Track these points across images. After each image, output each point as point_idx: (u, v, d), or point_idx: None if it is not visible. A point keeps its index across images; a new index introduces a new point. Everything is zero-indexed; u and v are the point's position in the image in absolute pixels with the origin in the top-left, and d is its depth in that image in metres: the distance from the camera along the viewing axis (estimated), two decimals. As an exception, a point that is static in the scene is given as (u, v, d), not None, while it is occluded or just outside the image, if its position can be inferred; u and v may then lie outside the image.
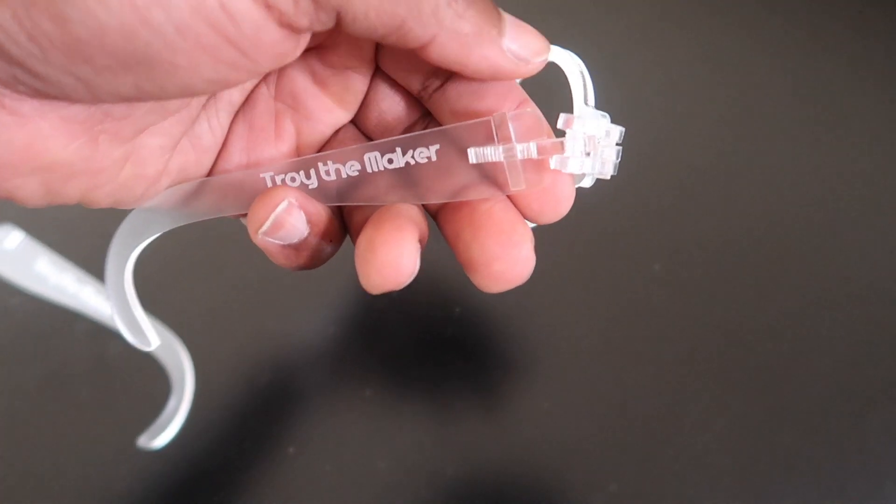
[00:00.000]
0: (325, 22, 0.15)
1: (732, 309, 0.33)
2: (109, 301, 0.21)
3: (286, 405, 0.31)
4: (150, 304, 0.34)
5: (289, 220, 0.18)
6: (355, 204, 0.19)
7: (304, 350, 0.33)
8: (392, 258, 0.17)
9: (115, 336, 0.33)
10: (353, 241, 0.18)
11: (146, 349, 0.21)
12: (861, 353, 0.32)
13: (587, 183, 0.19)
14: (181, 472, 0.30)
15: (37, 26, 0.14)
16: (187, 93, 0.16)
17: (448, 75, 0.18)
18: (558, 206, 0.18)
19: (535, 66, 0.18)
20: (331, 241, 0.19)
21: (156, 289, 0.35)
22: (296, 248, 0.19)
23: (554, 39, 0.19)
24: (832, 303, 0.34)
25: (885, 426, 0.30)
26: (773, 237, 0.36)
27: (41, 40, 0.14)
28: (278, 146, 0.20)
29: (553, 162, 0.17)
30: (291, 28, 0.15)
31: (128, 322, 0.21)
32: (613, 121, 0.19)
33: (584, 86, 0.19)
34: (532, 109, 0.18)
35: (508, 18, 0.18)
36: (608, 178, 0.18)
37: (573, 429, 0.31)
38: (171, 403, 0.32)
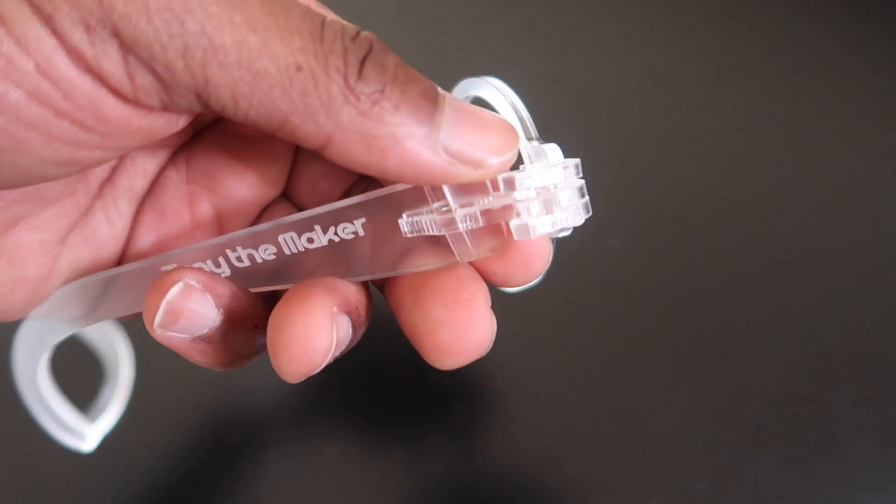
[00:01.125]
0: (189, 104, 0.13)
1: (692, 284, 0.33)
2: (35, 414, 0.19)
3: (228, 392, 0.30)
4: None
5: (188, 306, 0.14)
6: (282, 287, 0.15)
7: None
8: (297, 334, 0.14)
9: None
10: None
11: (86, 450, 0.19)
12: (825, 327, 0.32)
13: (561, 234, 0.15)
14: (120, 466, 0.29)
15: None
16: (30, 179, 0.13)
17: None
18: (529, 268, 0.15)
19: (493, 169, 0.13)
20: (259, 328, 0.15)
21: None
22: (208, 340, 0.15)
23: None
24: (795, 277, 0.33)
25: (848, 400, 0.30)
26: (732, 210, 0.35)
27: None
28: (196, 234, 0.17)
29: (514, 231, 0.14)
30: (140, 105, 0.13)
31: (59, 428, 0.19)
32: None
33: (522, 121, 0.16)
34: None
35: (449, 105, 0.13)
36: (582, 222, 0.15)
37: (530, 411, 0.30)
38: (108, 395, 0.30)
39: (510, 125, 0.14)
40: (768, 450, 0.29)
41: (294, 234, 0.15)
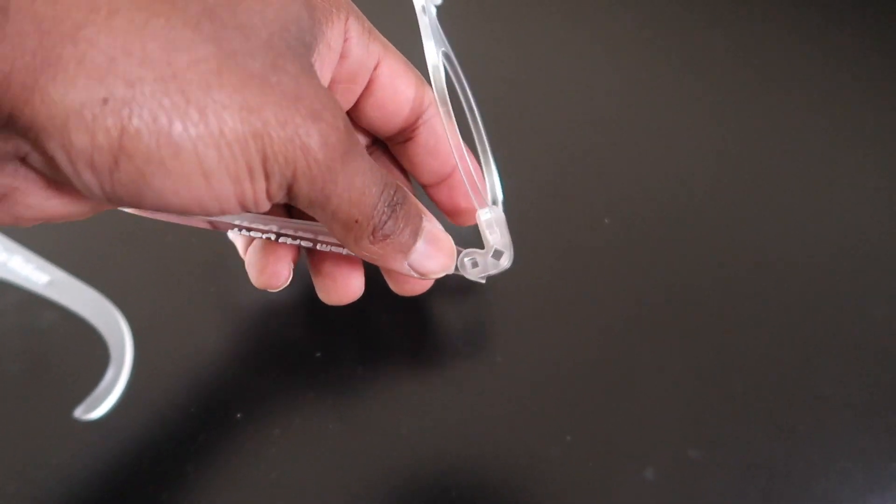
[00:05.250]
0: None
1: (681, 259, 0.34)
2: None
3: (232, 369, 0.30)
4: (88, 272, 0.32)
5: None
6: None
7: (249, 310, 0.32)
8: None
9: (46, 306, 0.32)
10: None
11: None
12: (810, 299, 0.33)
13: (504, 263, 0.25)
14: (124, 443, 0.29)
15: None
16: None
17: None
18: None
19: (432, 278, 0.23)
20: None
21: (94, 258, 0.33)
22: None
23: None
24: (781, 250, 0.34)
25: (834, 371, 0.31)
26: (723, 190, 0.36)
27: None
28: None
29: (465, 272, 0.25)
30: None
31: None
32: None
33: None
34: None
35: (423, 237, 0.22)
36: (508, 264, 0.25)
37: (526, 382, 0.30)
38: (110, 373, 0.30)
39: (453, 255, 0.23)
40: (758, 418, 0.30)
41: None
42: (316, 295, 0.30)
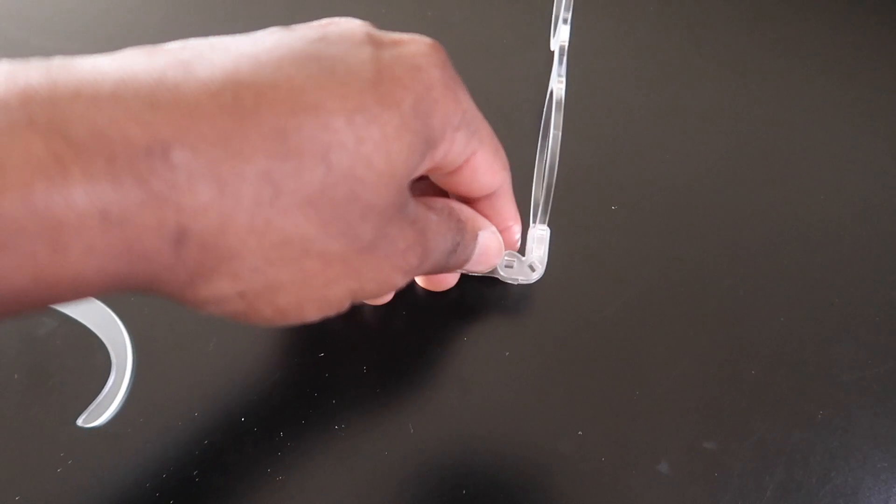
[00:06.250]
0: None
1: (692, 248, 0.33)
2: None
3: (236, 372, 0.30)
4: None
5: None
6: None
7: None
8: None
9: (45, 313, 0.31)
10: None
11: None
12: (824, 283, 0.32)
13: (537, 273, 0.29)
14: (129, 450, 0.28)
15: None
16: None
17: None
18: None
19: (454, 277, 0.29)
20: None
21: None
22: None
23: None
24: (792, 233, 0.33)
25: (848, 355, 0.30)
26: (732, 173, 0.35)
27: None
28: None
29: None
30: None
31: None
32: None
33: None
34: None
35: (477, 250, 0.25)
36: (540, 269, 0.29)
37: (536, 377, 0.30)
38: (112, 379, 0.30)
39: (500, 254, 0.27)
40: (774, 407, 0.29)
41: None
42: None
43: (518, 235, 0.29)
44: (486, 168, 0.24)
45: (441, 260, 0.23)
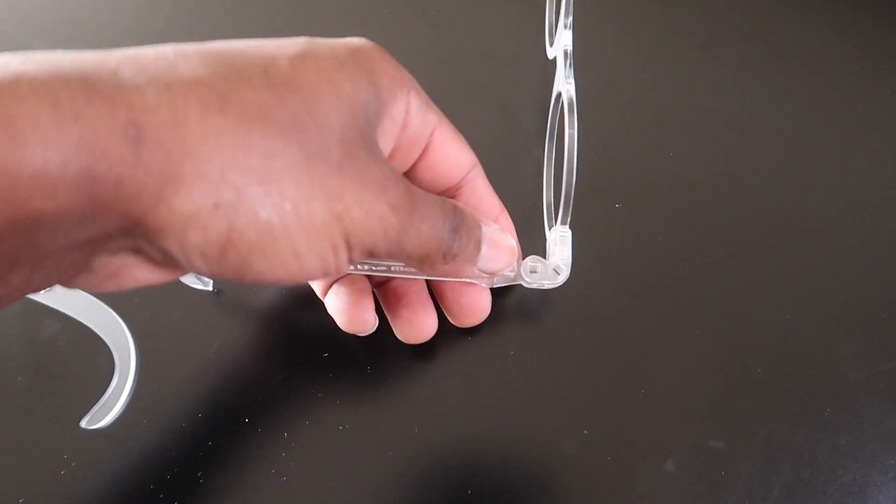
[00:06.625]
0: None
1: (696, 245, 0.33)
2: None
3: (239, 372, 0.30)
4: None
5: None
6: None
7: (254, 313, 0.31)
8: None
9: (47, 315, 0.31)
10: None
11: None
12: (831, 281, 0.32)
13: (562, 279, 0.29)
14: (133, 451, 0.28)
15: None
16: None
17: None
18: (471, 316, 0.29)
19: (499, 276, 0.27)
20: None
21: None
22: None
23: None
24: (798, 231, 0.33)
25: (857, 351, 0.30)
26: (738, 171, 0.35)
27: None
28: None
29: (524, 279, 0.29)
30: None
31: None
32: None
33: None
34: None
35: (485, 243, 0.25)
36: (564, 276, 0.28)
37: (540, 376, 0.30)
38: (115, 380, 0.29)
39: (514, 251, 0.26)
40: (781, 405, 0.29)
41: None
42: (317, 296, 0.30)
43: (512, 230, 0.29)
44: (453, 144, 0.25)
45: (446, 239, 0.23)
